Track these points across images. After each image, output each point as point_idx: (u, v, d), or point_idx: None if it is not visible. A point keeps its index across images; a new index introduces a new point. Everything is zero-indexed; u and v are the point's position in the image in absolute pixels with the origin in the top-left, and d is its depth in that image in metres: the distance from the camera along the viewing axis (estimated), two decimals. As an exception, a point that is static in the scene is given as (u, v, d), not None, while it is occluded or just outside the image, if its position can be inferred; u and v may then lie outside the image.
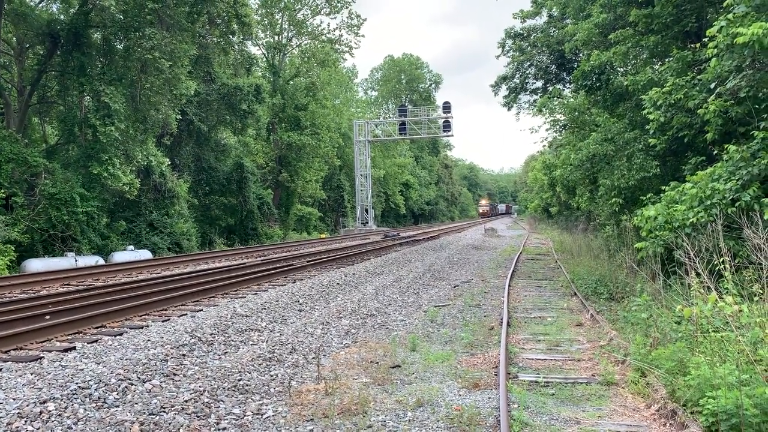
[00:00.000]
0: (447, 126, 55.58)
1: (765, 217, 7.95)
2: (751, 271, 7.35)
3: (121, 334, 9.04)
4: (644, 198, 12.30)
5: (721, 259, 6.97)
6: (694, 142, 12.04)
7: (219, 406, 6.42)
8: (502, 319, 11.06)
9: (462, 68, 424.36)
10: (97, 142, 23.80)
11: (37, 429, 5.45)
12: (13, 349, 8.11)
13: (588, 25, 18.08)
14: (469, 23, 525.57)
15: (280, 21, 50.66)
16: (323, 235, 48.88)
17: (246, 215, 38.82)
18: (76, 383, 6.42)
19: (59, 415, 5.75)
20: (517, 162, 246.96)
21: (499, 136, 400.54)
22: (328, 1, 51.13)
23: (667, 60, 13.60)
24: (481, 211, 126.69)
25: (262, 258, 23.09)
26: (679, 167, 12.96)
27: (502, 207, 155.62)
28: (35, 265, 19.62)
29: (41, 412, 5.71)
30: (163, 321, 10.14)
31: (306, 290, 13.86)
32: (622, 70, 17.01)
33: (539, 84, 30.89)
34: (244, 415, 6.22)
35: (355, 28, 52.88)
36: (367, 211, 56.36)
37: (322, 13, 51.53)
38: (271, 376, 7.63)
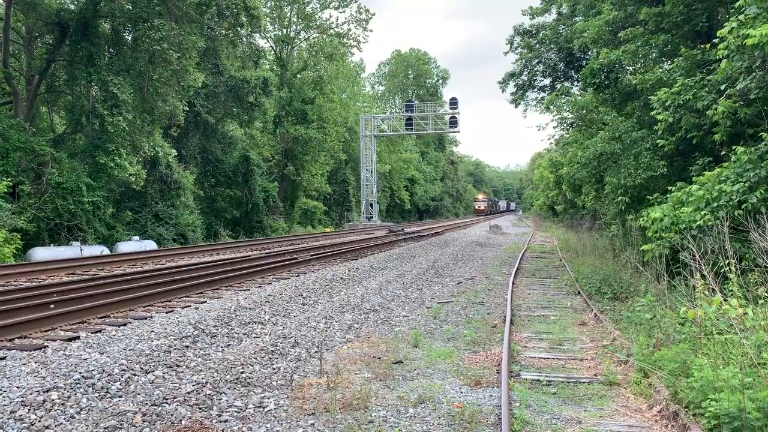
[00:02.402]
0: (453, 122, 55.45)
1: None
2: (756, 274, 7.32)
3: (125, 325, 9.08)
4: (651, 198, 12.26)
5: (727, 261, 6.94)
6: (702, 142, 11.97)
7: (221, 399, 6.44)
8: (505, 316, 11.05)
9: (473, 64, 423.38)
10: (105, 132, 23.85)
11: (41, 417, 5.48)
12: (18, 338, 8.16)
13: (598, 23, 17.98)
14: (481, 19, 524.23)
15: (288, 14, 50.59)
16: (328, 229, 48.92)
17: (251, 208, 38.86)
18: (80, 373, 6.46)
19: (62, 404, 5.78)
20: (523, 159, 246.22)
21: (505, 133, 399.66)
22: (337, -6, 51.06)
23: (676, 59, 13.52)
24: (477, 207, 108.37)
25: (267, 251, 23.13)
26: (687, 167, 12.90)
27: (503, 204, 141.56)
28: (41, 253, 19.70)
29: (44, 401, 5.74)
30: (167, 312, 10.17)
31: (310, 284, 13.88)
32: (630, 68, 16.92)
33: (547, 81, 30.79)
34: (246, 408, 6.24)
35: (364, 22, 52.77)
36: (371, 205, 56.34)
37: (330, 6, 51.40)
38: (274, 369, 7.65)
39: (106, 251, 22.06)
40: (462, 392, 6.89)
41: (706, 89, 11.21)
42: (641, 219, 11.33)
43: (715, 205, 9.30)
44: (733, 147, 9.87)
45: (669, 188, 11.34)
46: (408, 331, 10.31)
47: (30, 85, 25.36)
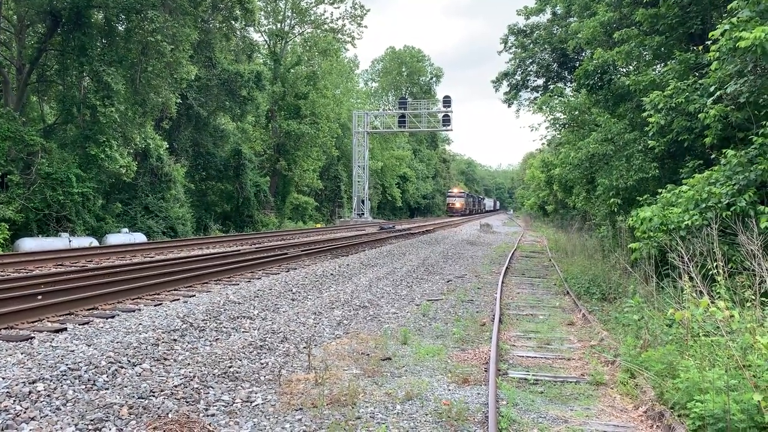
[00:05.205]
0: (446, 120, 55.53)
1: (762, 226, 7.95)
2: (744, 277, 7.36)
3: (112, 317, 9.03)
4: (641, 199, 12.31)
5: (715, 263, 6.98)
6: (692, 145, 12.03)
7: (208, 393, 6.42)
8: (494, 315, 11.08)
9: (470, 63, 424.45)
10: (96, 123, 23.70)
11: (26, 409, 5.44)
12: (4, 329, 8.10)
13: (593, 23, 18.01)
14: (480, 17, 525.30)
15: (283, 8, 50.42)
16: (319, 225, 48.86)
17: (242, 202, 38.75)
18: (66, 364, 6.42)
19: (48, 395, 5.74)
20: (515, 159, 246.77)
21: (498, 133, 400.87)
22: (332, -11, 50.90)
23: (669, 62, 13.57)
24: (451, 204, 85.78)
25: (257, 246, 23.07)
26: (677, 170, 12.96)
27: (489, 202, 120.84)
28: (29, 244, 19.56)
29: (30, 392, 5.70)
30: (155, 305, 10.13)
31: (299, 279, 13.86)
32: (624, 70, 16.96)
33: (540, 82, 30.79)
34: (233, 402, 6.22)
35: (358, 18, 52.66)
36: (363, 202, 56.32)
37: (325, 2, 51.27)
38: (262, 364, 7.64)
39: (95, 243, 21.93)
40: (450, 390, 6.90)
41: (698, 93, 11.25)
42: (630, 219, 11.38)
43: (704, 206, 9.35)
44: (724, 150, 9.92)
45: (659, 190, 11.40)
46: (397, 328, 10.32)
47: (20, 75, 25.11)
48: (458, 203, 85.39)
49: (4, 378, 5.94)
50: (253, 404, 6.22)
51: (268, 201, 42.50)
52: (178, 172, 31.64)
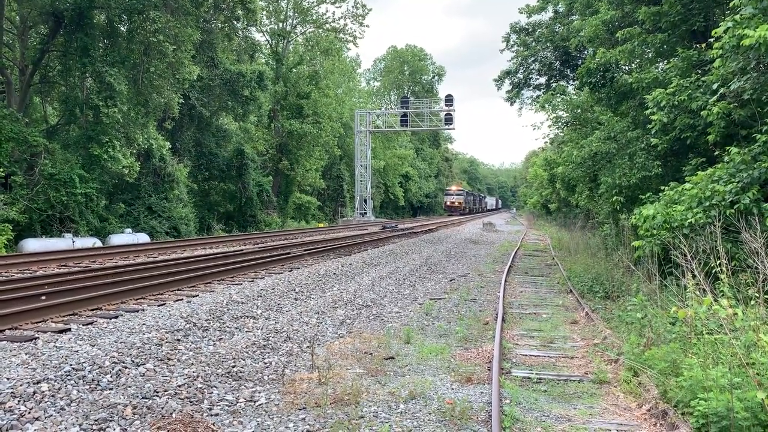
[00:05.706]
0: (449, 119, 55.43)
1: (766, 223, 7.93)
2: (747, 275, 7.35)
3: (116, 317, 9.05)
4: (644, 197, 12.30)
5: (718, 261, 6.97)
6: (695, 143, 12.01)
7: (212, 392, 6.43)
8: (497, 314, 11.08)
9: (472, 62, 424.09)
10: (99, 123, 23.75)
11: (30, 409, 5.46)
12: (8, 329, 8.12)
13: (595, 22, 17.97)
14: (480, 17, 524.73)
15: (285, 8, 50.43)
16: (321, 225, 48.88)
17: (245, 202, 38.79)
18: (70, 365, 6.43)
19: (52, 396, 5.76)
20: (518, 157, 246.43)
21: (501, 131, 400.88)
22: (334, -11, 50.89)
23: (672, 59, 13.54)
24: (449, 202, 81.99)
25: (260, 245, 23.09)
26: (680, 168, 12.94)
27: (491, 201, 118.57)
28: (32, 245, 19.60)
29: (35, 393, 5.72)
30: (158, 305, 10.15)
31: (302, 279, 13.87)
32: (626, 68, 16.93)
33: (542, 80, 30.75)
34: (237, 402, 6.24)
35: (360, 17, 52.63)
36: (365, 201, 56.29)
37: (327, 1, 51.27)
38: (265, 363, 7.65)
39: (98, 243, 21.97)
40: (453, 389, 6.90)
41: (701, 90, 11.23)
42: (633, 217, 11.36)
43: (707, 204, 9.34)
44: (727, 148, 9.90)
45: (662, 188, 11.38)
46: (400, 327, 10.33)
47: (23, 75, 25.17)
48: (457, 201, 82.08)
49: (8, 378, 5.95)
50: (257, 404, 6.23)
51: (270, 201, 42.54)
52: (180, 173, 31.69)
